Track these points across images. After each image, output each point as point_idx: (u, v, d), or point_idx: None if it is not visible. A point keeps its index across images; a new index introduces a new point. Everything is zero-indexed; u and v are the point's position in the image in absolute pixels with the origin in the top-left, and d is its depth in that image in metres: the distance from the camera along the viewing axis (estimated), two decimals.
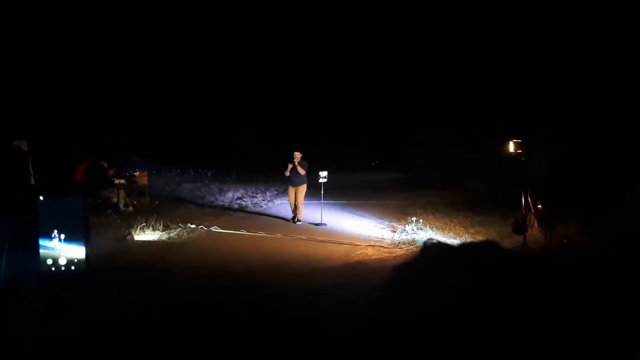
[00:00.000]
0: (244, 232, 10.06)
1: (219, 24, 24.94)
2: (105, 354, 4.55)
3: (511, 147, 8.68)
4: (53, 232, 6.40)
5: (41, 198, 6.41)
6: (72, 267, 6.50)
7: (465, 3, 20.41)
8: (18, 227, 6.03)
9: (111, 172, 12.17)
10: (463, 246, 7.09)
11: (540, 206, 8.23)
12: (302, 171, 10.83)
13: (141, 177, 13.34)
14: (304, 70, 27.82)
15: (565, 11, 16.91)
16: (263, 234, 9.89)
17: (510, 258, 5.63)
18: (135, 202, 12.48)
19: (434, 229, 9.66)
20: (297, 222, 11.04)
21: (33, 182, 6.62)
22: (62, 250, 6.46)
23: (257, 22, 25.65)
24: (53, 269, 6.42)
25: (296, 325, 5.17)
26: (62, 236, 6.43)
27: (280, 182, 14.46)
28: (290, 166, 10.87)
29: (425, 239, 8.82)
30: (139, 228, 9.67)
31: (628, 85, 13.43)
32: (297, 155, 10.89)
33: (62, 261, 6.47)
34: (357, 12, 25.42)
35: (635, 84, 13.25)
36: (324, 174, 10.99)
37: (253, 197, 15.23)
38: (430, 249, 5.95)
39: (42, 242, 6.36)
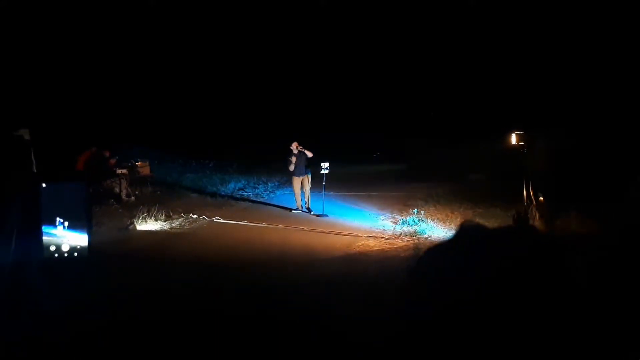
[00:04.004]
0: (246, 223, 10.08)
1: (219, 23, 24.83)
2: (105, 341, 4.58)
3: (513, 139, 8.68)
4: (56, 219, 6.42)
5: (44, 185, 6.43)
6: (75, 254, 6.53)
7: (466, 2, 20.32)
8: (21, 214, 6.06)
9: (112, 161, 12.16)
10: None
11: (542, 198, 8.23)
12: (309, 153, 10.92)
13: (143, 167, 13.34)
14: (305, 61, 27.68)
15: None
16: (265, 225, 9.91)
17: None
18: (137, 192, 12.49)
19: (435, 220, 9.66)
20: (308, 212, 11.05)
21: (35, 170, 6.65)
22: (65, 237, 6.49)
23: (255, 22, 25.50)
24: (56, 255, 6.46)
25: (298, 315, 5.21)
26: (66, 223, 6.47)
27: (282, 173, 14.45)
28: (294, 159, 10.88)
29: (425, 229, 8.86)
30: (141, 218, 9.71)
31: (630, 80, 13.36)
32: (296, 145, 10.95)
33: (65, 248, 6.51)
34: (358, 9, 25.22)
35: (637, 78, 13.18)
36: (325, 165, 10.98)
37: (255, 187, 15.23)
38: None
39: (46, 229, 6.39)
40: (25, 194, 6.19)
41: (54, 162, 11.09)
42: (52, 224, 6.43)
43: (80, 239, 6.58)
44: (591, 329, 4.69)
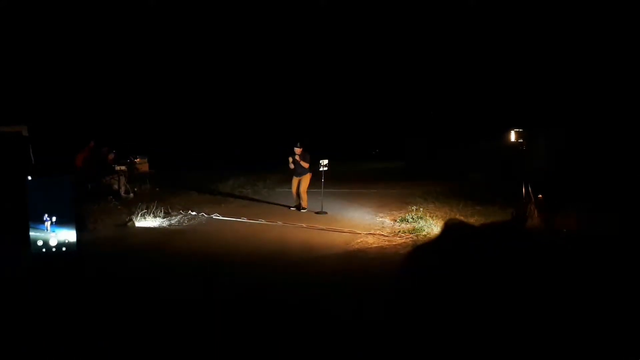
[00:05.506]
0: (245, 220, 10.07)
1: (219, 24, 24.87)
2: (104, 340, 4.57)
3: (513, 135, 8.68)
4: (44, 214, 6.37)
5: (29, 178, 6.39)
6: (64, 249, 6.50)
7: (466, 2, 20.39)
8: (9, 210, 6.03)
9: (111, 157, 12.13)
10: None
11: (540, 196, 8.23)
12: (305, 165, 10.81)
13: (142, 164, 13.34)
14: (305, 60, 27.69)
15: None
16: (264, 222, 9.89)
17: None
18: (136, 189, 12.49)
19: (434, 218, 9.65)
20: (302, 211, 11.03)
21: (33, 167, 6.63)
22: (52, 232, 6.45)
23: (255, 22, 25.54)
24: (44, 250, 6.42)
25: (297, 313, 5.19)
26: (53, 219, 6.43)
27: (281, 171, 14.45)
28: (291, 162, 10.86)
29: (424, 227, 8.85)
30: (139, 215, 9.70)
31: (630, 79, 13.36)
32: (298, 150, 10.83)
33: (53, 243, 6.47)
34: (358, 9, 25.25)
35: (637, 78, 13.18)
36: (324, 162, 10.94)
37: (254, 184, 15.22)
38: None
39: (33, 224, 6.33)
40: (17, 189, 6.16)
41: (53, 158, 11.09)
42: (39, 218, 6.38)
43: (68, 234, 6.53)
44: (586, 327, 4.69)
